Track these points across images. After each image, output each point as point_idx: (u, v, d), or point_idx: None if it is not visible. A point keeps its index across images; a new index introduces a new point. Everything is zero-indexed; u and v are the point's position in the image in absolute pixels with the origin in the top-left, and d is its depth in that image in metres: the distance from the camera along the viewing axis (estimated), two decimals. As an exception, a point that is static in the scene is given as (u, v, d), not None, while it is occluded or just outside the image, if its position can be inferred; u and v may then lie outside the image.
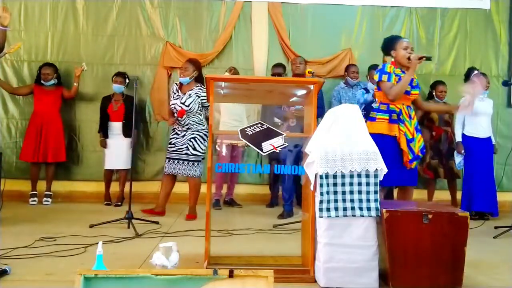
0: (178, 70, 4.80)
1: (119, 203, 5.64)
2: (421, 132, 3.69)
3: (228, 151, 5.63)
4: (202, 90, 4.81)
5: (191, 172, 4.80)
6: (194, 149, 4.79)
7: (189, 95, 4.80)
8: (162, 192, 4.96)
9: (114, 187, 5.78)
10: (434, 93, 5.74)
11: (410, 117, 3.62)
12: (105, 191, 5.74)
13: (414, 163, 3.61)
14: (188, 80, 4.85)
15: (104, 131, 5.71)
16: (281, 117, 5.18)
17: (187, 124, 4.82)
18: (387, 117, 3.61)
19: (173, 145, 4.85)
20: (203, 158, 4.87)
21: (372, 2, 6.31)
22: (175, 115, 4.84)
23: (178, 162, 4.81)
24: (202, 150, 4.84)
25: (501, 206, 5.30)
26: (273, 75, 5.65)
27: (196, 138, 4.82)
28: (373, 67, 5.40)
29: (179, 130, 4.86)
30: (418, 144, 3.62)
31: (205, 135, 4.87)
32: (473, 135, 5.25)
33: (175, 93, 4.90)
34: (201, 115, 4.89)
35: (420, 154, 3.64)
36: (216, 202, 5.56)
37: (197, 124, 4.84)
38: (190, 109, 4.79)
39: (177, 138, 4.84)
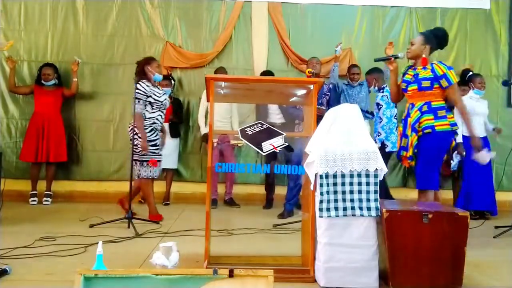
0: (153, 68, 4.65)
1: (167, 202, 5.77)
2: (416, 131, 3.47)
3: (217, 150, 5.65)
4: None
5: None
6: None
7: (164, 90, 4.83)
8: (152, 197, 4.71)
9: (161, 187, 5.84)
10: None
11: (408, 115, 3.55)
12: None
13: (409, 162, 3.51)
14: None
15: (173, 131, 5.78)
16: (298, 116, 5.15)
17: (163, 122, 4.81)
18: None
19: (158, 146, 4.67)
20: None
21: (372, 2, 6.32)
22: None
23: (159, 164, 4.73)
24: None
25: (501, 205, 5.30)
26: None
27: None
28: (369, 72, 5.42)
29: (159, 130, 4.74)
30: (411, 142, 3.49)
31: None
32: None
33: (158, 88, 4.70)
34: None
35: (412, 154, 3.48)
36: (213, 201, 5.57)
37: None
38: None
39: (159, 139, 4.71)
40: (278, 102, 4.66)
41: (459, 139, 5.25)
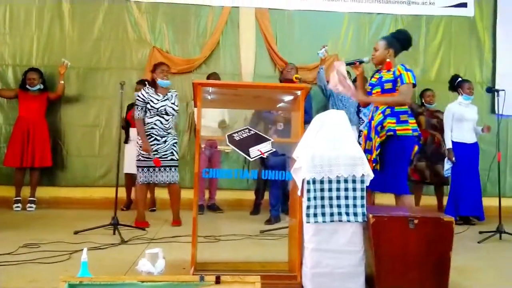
0: (157, 74, 4.71)
1: (154, 209, 5.78)
2: (378, 133, 3.50)
3: (205, 156, 5.62)
4: (176, 93, 4.87)
5: (174, 178, 4.74)
6: (177, 153, 4.79)
7: (172, 96, 4.80)
8: (142, 203, 4.80)
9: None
10: (423, 100, 5.86)
11: (372, 118, 3.60)
12: (126, 195, 5.78)
13: (374, 165, 3.50)
14: (169, 84, 4.85)
15: (126, 136, 5.76)
16: (270, 121, 5.21)
17: (169, 129, 4.77)
18: None
19: (154, 152, 4.67)
20: None
21: (359, 9, 6.38)
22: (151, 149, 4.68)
23: (159, 170, 4.67)
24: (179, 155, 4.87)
25: (486, 211, 5.35)
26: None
27: (176, 143, 4.82)
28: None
29: (159, 136, 4.70)
30: (374, 145, 3.52)
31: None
32: (460, 141, 5.31)
33: (158, 95, 4.71)
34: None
35: (376, 157, 3.49)
36: (199, 207, 5.54)
37: (173, 129, 4.84)
38: (177, 112, 4.80)
39: (158, 144, 4.67)
40: (266, 107, 4.67)
41: (448, 145, 5.33)
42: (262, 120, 5.44)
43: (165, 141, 4.71)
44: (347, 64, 3.73)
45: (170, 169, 4.72)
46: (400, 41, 3.65)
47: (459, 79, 5.52)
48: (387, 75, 3.55)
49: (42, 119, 5.69)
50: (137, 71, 6.11)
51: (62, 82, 5.77)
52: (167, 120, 4.73)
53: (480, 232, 4.57)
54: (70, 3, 6.10)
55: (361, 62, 3.66)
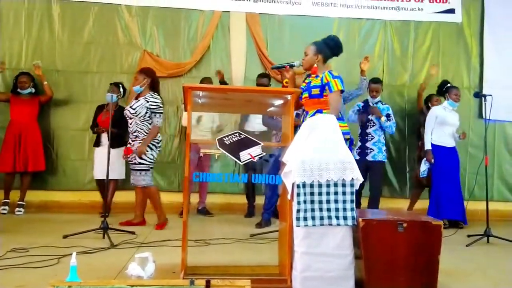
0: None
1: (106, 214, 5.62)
2: None
3: (194, 159, 5.55)
4: (152, 96, 4.77)
5: (138, 182, 4.75)
6: (140, 157, 4.70)
7: (138, 99, 4.78)
8: (135, 202, 4.98)
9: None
10: (430, 104, 5.87)
11: (303, 122, 3.56)
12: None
13: None
14: (140, 89, 4.79)
15: (95, 140, 5.66)
16: (274, 126, 5.19)
17: (135, 132, 4.76)
18: None
19: (132, 155, 4.80)
20: (151, 167, 4.81)
21: (348, 15, 6.42)
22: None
23: (132, 173, 4.78)
24: (149, 158, 4.72)
25: (473, 214, 5.41)
26: (258, 85, 5.61)
27: None
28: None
29: (131, 140, 4.81)
30: None
31: (152, 144, 4.76)
32: (440, 144, 5.37)
33: (132, 101, 4.87)
34: (150, 123, 4.76)
35: None
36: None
37: (145, 132, 4.74)
38: (136, 113, 4.72)
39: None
40: (256, 111, 4.69)
41: (427, 146, 5.38)
42: (266, 126, 5.41)
43: (133, 146, 4.76)
44: (277, 68, 3.74)
45: (137, 172, 4.74)
46: (330, 47, 3.66)
47: (448, 84, 5.59)
48: (315, 81, 3.55)
49: (34, 123, 5.66)
50: (127, 74, 6.07)
51: (46, 82, 5.73)
52: (130, 124, 4.80)
53: (468, 236, 4.62)
54: (60, 6, 6.06)
55: (291, 66, 3.65)
